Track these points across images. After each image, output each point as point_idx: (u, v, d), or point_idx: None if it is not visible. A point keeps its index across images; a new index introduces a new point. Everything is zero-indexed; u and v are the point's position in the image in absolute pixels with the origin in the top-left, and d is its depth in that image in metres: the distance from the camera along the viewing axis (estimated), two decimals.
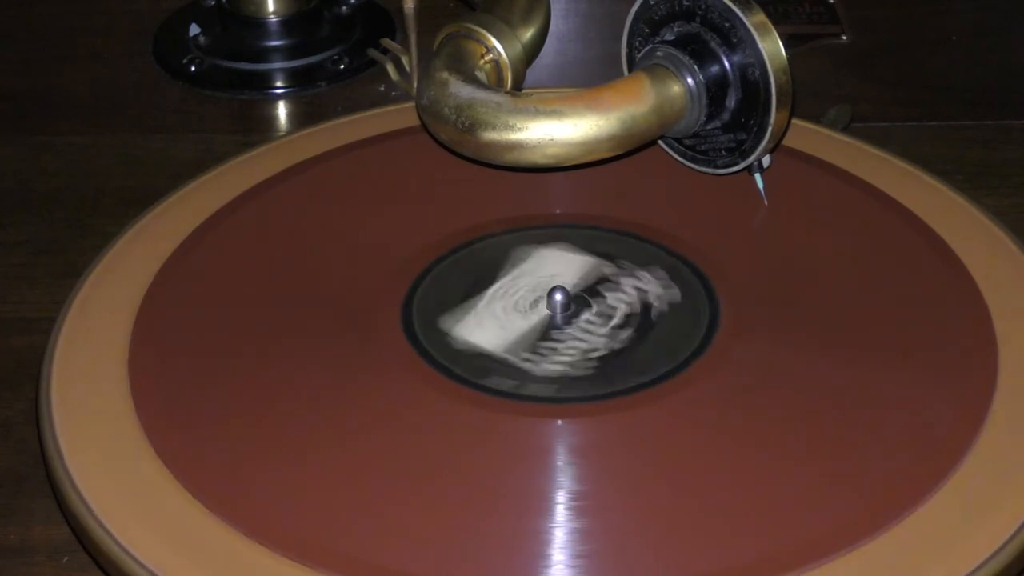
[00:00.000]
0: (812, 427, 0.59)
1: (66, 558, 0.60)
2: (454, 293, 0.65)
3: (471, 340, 0.63)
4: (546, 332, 0.63)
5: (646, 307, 0.64)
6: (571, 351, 0.62)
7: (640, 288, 0.65)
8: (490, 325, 0.64)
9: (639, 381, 0.61)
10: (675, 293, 0.65)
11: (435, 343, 0.63)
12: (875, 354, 0.62)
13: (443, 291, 0.66)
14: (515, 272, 0.66)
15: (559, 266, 0.67)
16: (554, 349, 0.62)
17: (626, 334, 0.63)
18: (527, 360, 0.62)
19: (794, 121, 0.73)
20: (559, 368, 0.61)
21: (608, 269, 0.66)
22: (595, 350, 0.62)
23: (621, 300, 0.65)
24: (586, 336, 0.63)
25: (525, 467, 0.58)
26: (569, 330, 0.63)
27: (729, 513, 0.56)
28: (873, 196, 0.70)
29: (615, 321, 0.64)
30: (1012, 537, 0.54)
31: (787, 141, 0.71)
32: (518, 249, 0.68)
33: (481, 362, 0.62)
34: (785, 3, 0.93)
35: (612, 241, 0.68)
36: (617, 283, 0.65)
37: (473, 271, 0.67)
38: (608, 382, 0.61)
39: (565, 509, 0.56)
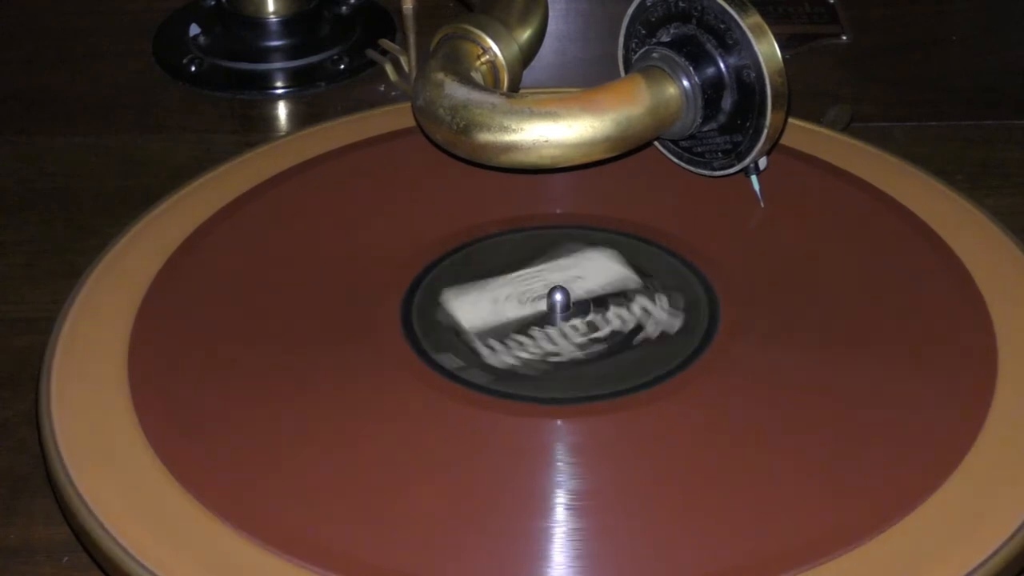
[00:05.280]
0: (812, 427, 0.59)
1: (66, 558, 0.60)
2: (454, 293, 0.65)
3: (455, 313, 0.63)
4: (526, 327, 0.63)
5: (636, 330, 0.64)
6: (535, 350, 0.62)
7: (646, 310, 0.65)
8: (483, 305, 0.64)
9: (639, 381, 0.61)
10: (676, 323, 0.64)
11: (435, 343, 0.63)
12: (875, 354, 0.62)
13: (442, 292, 0.66)
14: (523, 267, 0.67)
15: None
16: (520, 344, 0.62)
17: (598, 348, 0.63)
18: (488, 347, 0.62)
19: (793, 121, 0.73)
20: (511, 363, 0.61)
21: (631, 282, 0.66)
22: (557, 355, 0.62)
23: (619, 317, 0.64)
24: (559, 340, 0.63)
25: (525, 467, 0.58)
26: (549, 331, 0.63)
27: (729, 513, 0.56)
28: (873, 196, 0.70)
29: (598, 334, 0.63)
30: (1012, 536, 0.54)
31: (786, 141, 0.71)
32: (518, 247, 0.68)
33: (448, 337, 0.62)
34: (785, 3, 0.93)
35: (611, 242, 0.68)
36: (630, 300, 0.65)
37: (470, 273, 0.67)
38: (607, 382, 0.61)
39: (565, 509, 0.56)
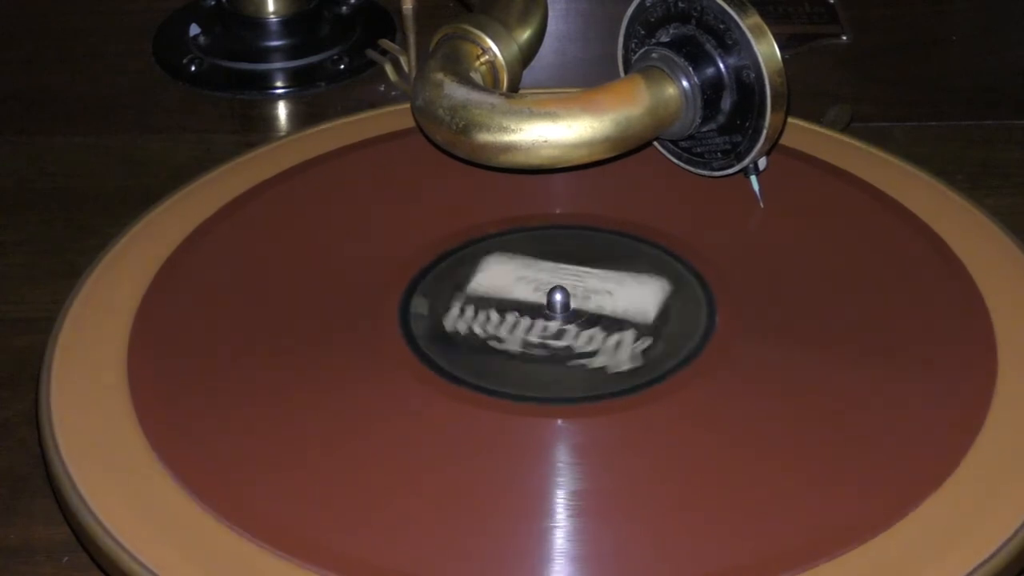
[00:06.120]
0: (811, 427, 0.59)
1: (66, 558, 0.60)
2: (452, 296, 0.65)
3: (478, 273, 0.63)
4: (510, 308, 0.64)
5: (586, 355, 0.63)
6: (486, 329, 0.63)
7: (618, 344, 0.64)
8: (506, 277, 0.64)
9: (639, 381, 0.61)
10: (625, 364, 0.62)
11: (434, 343, 0.63)
12: (874, 354, 0.62)
13: (442, 292, 0.66)
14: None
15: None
16: (487, 319, 0.63)
17: (538, 353, 0.62)
18: (460, 310, 0.63)
19: (793, 121, 0.73)
20: (458, 329, 0.62)
21: (640, 319, 0.65)
22: (499, 341, 0.63)
23: (590, 338, 0.64)
24: (513, 332, 0.63)
25: (525, 467, 0.58)
26: (521, 320, 0.63)
27: (728, 513, 0.56)
28: (873, 196, 0.70)
29: (552, 343, 0.63)
30: (1012, 537, 0.54)
31: (786, 141, 0.71)
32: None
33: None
34: (785, 3, 0.93)
35: (610, 241, 0.68)
36: (617, 330, 0.64)
37: (471, 271, 0.67)
38: (608, 382, 0.61)
39: (565, 509, 0.56)
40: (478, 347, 0.63)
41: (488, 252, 0.68)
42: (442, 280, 0.66)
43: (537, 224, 0.70)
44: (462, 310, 0.64)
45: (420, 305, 0.65)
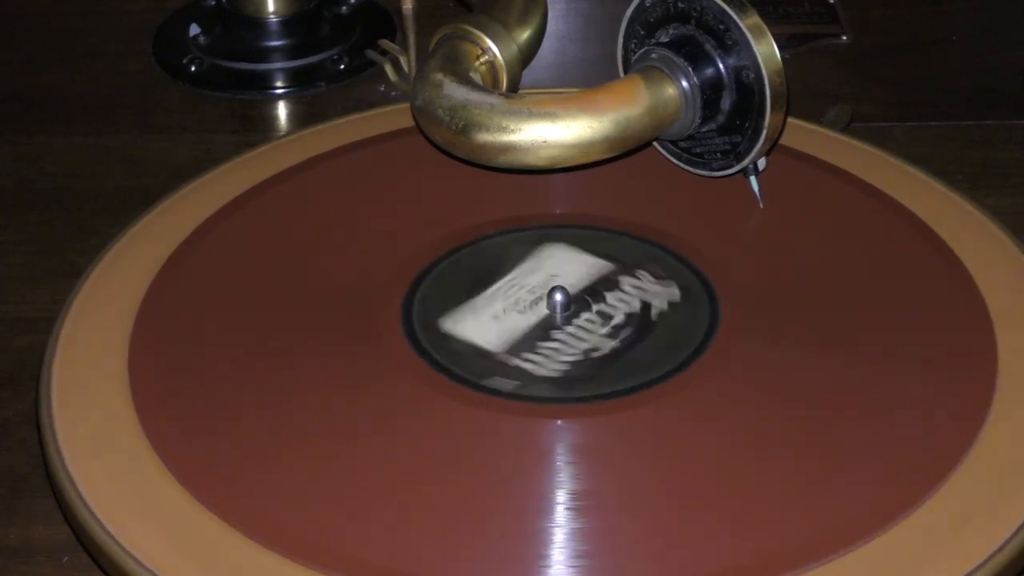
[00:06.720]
0: (811, 427, 0.59)
1: (66, 558, 0.60)
2: (454, 293, 0.65)
3: (470, 338, 0.63)
4: (546, 332, 0.63)
5: (646, 307, 0.64)
6: (572, 351, 0.62)
7: (639, 288, 0.65)
8: (489, 324, 0.64)
9: (639, 381, 0.61)
10: (674, 292, 0.65)
11: (435, 343, 0.63)
12: (874, 354, 0.62)
13: (443, 291, 0.66)
14: (515, 272, 0.66)
15: (560, 266, 0.67)
16: (556, 350, 0.63)
17: (626, 334, 0.63)
18: (528, 361, 0.62)
19: (793, 121, 0.73)
20: (562, 368, 0.61)
21: (607, 269, 0.66)
22: (596, 350, 0.62)
23: (621, 300, 0.65)
24: (586, 336, 0.63)
25: (525, 467, 0.58)
26: (569, 330, 0.63)
27: (729, 513, 0.56)
28: (873, 196, 0.70)
29: (615, 321, 0.64)
30: (1011, 538, 0.54)
31: (786, 141, 0.71)
32: (518, 249, 0.68)
33: (482, 363, 0.62)
34: (785, 3, 0.93)
35: (611, 241, 0.68)
36: (616, 282, 0.66)
37: (473, 271, 0.67)
38: (608, 382, 0.61)
39: (565, 509, 0.56)
40: (479, 346, 0.63)
41: (489, 250, 0.68)
42: (443, 279, 0.66)
43: (536, 224, 0.70)
44: (463, 310, 0.65)
45: (421, 305, 0.65)
